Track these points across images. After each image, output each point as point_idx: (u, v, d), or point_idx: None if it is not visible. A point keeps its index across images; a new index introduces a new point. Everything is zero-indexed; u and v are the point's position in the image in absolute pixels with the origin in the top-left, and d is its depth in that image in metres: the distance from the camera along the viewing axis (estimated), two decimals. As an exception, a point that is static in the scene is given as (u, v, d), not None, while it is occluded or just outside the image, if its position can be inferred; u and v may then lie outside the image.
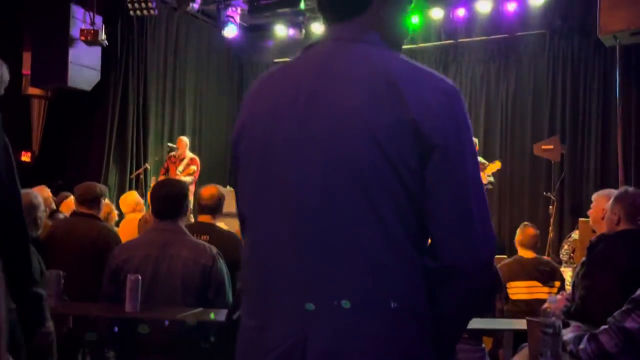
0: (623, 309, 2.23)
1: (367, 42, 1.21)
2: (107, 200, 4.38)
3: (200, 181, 7.99)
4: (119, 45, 8.30)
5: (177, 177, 7.93)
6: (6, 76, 1.47)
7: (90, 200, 3.84)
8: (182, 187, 3.11)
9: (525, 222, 4.58)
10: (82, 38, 7.10)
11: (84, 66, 7.36)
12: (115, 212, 5.39)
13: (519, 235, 4.36)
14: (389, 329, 1.12)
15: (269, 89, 1.27)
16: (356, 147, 1.11)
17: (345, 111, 1.13)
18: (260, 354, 1.16)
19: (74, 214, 3.98)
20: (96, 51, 7.48)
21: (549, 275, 4.22)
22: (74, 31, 7.13)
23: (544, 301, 3.33)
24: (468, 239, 1.13)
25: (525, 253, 4.30)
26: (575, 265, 6.31)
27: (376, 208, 1.11)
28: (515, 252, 4.47)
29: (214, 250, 2.95)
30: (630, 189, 3.04)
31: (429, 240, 1.19)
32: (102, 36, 7.27)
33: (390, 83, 1.12)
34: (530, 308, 3.90)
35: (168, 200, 2.98)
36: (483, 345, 3.48)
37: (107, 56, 7.80)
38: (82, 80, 7.37)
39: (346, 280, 1.11)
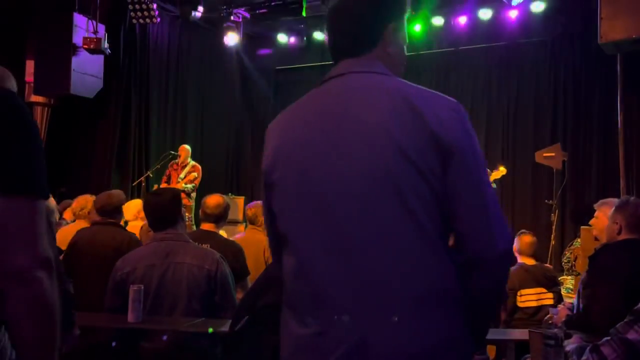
0: (625, 320, 2.22)
1: (376, 72, 1.39)
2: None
3: (202, 188, 8.00)
4: (121, 53, 8.33)
5: (179, 184, 7.96)
6: (14, 87, 1.50)
7: (111, 211, 3.85)
8: (172, 195, 3.06)
9: (523, 230, 4.56)
10: (85, 46, 7.15)
11: (87, 74, 7.39)
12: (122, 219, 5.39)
13: (516, 243, 4.35)
14: (438, 319, 1.25)
15: (293, 121, 1.42)
16: (386, 158, 1.26)
17: (372, 127, 1.29)
18: (320, 358, 1.26)
19: (94, 223, 3.96)
20: (99, 59, 7.52)
21: (553, 281, 4.25)
22: (77, 39, 7.17)
23: (549, 307, 3.33)
24: (489, 234, 1.28)
25: (526, 260, 4.30)
26: (576, 273, 6.32)
27: (411, 211, 1.25)
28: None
29: (217, 255, 2.95)
30: (632, 198, 3.04)
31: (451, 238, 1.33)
32: (105, 44, 7.31)
33: (407, 101, 1.29)
34: (539, 314, 3.92)
35: (160, 211, 2.98)
36: (487, 355, 3.47)
37: (110, 64, 7.82)
38: (84, 88, 7.40)
39: (393, 279, 1.24)
